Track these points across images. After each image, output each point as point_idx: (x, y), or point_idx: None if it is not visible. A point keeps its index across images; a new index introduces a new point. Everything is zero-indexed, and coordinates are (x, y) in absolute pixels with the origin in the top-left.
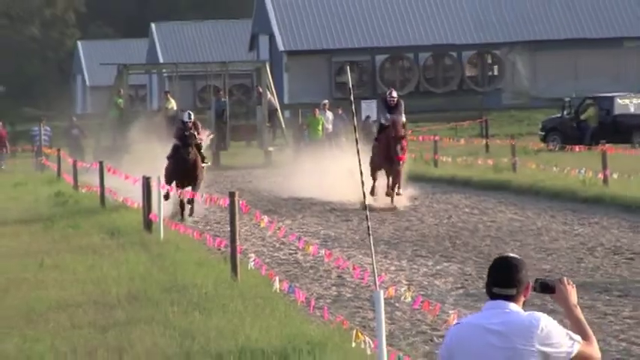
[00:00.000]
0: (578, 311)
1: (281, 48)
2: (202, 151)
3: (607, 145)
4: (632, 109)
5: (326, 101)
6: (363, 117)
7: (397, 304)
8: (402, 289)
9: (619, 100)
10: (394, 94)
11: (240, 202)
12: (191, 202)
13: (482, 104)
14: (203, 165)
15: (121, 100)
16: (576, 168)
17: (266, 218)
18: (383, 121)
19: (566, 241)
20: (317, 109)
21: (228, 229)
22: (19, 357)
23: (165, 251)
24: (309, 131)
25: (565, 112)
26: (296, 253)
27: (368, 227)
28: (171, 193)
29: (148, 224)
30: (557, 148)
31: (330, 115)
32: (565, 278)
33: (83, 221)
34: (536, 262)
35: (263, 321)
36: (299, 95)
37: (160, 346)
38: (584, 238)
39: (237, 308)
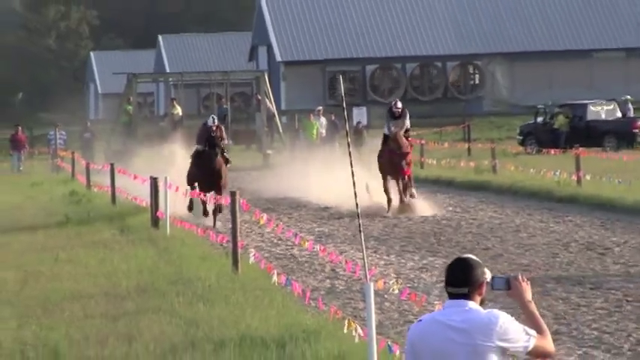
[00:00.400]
0: (533, 306)
1: (278, 58)
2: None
3: (580, 148)
4: (603, 116)
5: (320, 108)
6: (355, 122)
7: (386, 296)
8: (391, 282)
9: (591, 107)
10: (399, 104)
11: (241, 201)
12: (217, 210)
13: (464, 111)
14: (228, 166)
15: (130, 107)
16: (552, 170)
17: (265, 216)
18: (386, 132)
19: (542, 238)
20: (312, 115)
21: (230, 225)
22: (36, 344)
23: (171, 246)
24: (304, 135)
25: (538, 119)
26: (293, 249)
27: (359, 225)
28: (195, 199)
29: (155, 221)
30: (534, 152)
31: (324, 120)
32: (520, 275)
33: (95, 218)
34: (515, 257)
35: (262, 311)
36: (295, 102)
37: (167, 334)
38: (559, 235)
39: (238, 299)
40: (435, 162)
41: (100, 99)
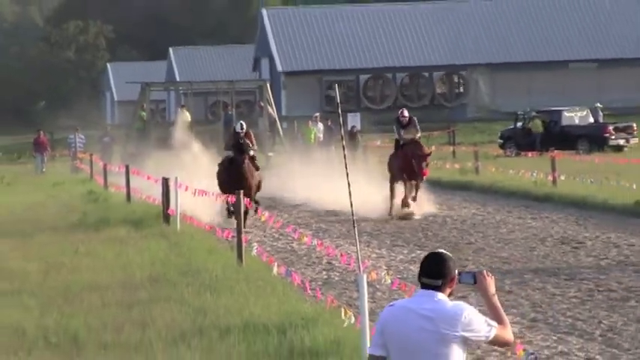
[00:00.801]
0: (496, 299)
1: (279, 69)
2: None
3: (555, 151)
4: (576, 121)
5: (317, 114)
6: (349, 127)
7: (378, 286)
8: (382, 273)
9: (565, 113)
10: (405, 113)
11: (245, 199)
12: (246, 212)
13: (449, 117)
14: (258, 172)
15: (144, 113)
16: (529, 171)
17: (267, 213)
18: (397, 137)
19: (521, 233)
20: (310, 121)
21: (235, 221)
22: (58, 330)
23: (181, 240)
24: (303, 139)
25: (518, 124)
26: (292, 243)
27: (353, 221)
28: (228, 204)
29: (167, 218)
30: (513, 154)
31: (321, 125)
32: (485, 270)
33: (111, 215)
34: (496, 251)
35: (264, 300)
36: (294, 109)
37: (177, 321)
38: (536, 230)
39: (242, 289)
40: None
41: (116, 106)
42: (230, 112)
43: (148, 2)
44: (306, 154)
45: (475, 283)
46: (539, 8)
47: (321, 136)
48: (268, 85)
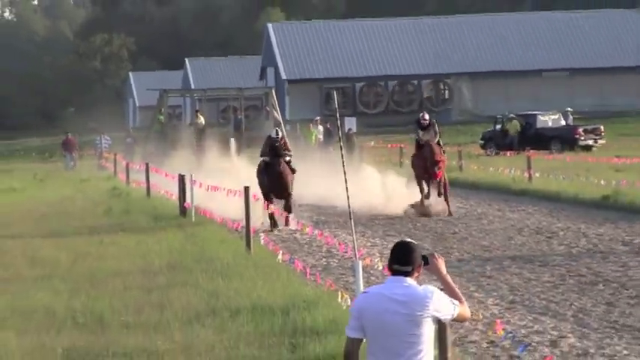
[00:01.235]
0: (449, 278)
1: (284, 77)
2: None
3: (531, 151)
4: (549, 124)
5: (318, 118)
6: (346, 129)
7: (372, 271)
8: (376, 260)
9: (540, 117)
10: (426, 116)
11: (252, 194)
12: (288, 211)
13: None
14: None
15: (162, 117)
16: (507, 168)
17: (272, 207)
18: (417, 138)
19: (500, 224)
20: (311, 124)
21: (244, 214)
22: (85, 311)
23: (196, 231)
24: (304, 141)
25: (497, 127)
26: (295, 233)
27: (349, 213)
28: (265, 208)
29: (183, 211)
30: (493, 154)
31: (321, 128)
32: (435, 253)
33: (133, 209)
34: (477, 240)
35: (270, 284)
36: (297, 113)
37: (192, 303)
38: (513, 222)
39: (250, 275)
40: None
41: (138, 111)
42: (239, 117)
43: (166, 18)
44: (308, 154)
45: (427, 264)
46: (516, 23)
47: (321, 137)
48: (273, 92)
